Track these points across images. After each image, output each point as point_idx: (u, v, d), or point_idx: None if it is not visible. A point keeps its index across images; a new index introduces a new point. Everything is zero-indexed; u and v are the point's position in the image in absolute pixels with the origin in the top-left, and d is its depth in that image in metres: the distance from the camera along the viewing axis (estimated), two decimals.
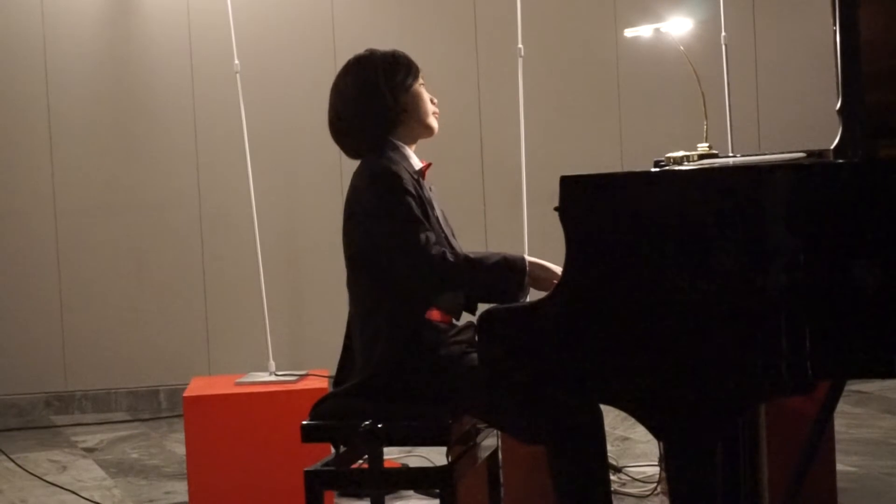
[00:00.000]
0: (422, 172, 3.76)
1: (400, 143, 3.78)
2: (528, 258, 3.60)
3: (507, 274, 3.55)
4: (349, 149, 3.87)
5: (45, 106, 7.32)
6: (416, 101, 3.80)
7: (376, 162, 3.71)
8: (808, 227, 2.92)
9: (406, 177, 3.65)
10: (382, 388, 3.60)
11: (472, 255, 3.60)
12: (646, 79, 7.41)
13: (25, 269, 7.36)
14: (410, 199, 3.62)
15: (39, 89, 7.32)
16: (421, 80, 3.83)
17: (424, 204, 3.67)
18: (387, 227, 3.61)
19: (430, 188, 3.83)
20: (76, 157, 7.34)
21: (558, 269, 3.62)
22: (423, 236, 3.57)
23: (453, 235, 3.87)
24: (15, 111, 7.34)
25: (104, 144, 7.36)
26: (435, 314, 3.68)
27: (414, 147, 3.84)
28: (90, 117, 7.35)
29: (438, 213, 3.78)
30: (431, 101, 3.84)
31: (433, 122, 3.84)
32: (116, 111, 7.36)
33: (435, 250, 3.56)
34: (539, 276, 3.58)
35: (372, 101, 3.76)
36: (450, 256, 3.56)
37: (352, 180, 3.78)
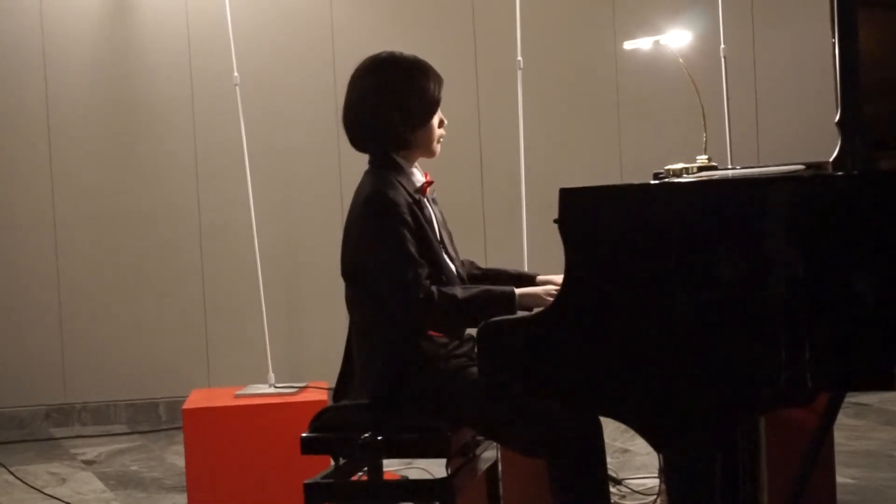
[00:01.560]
0: (422, 189, 3.74)
1: (402, 161, 3.75)
2: (518, 291, 3.58)
3: (493, 311, 3.53)
4: (356, 141, 3.82)
5: (44, 118, 7.33)
6: (429, 134, 3.79)
7: (374, 182, 3.68)
8: (807, 238, 2.93)
9: (402, 202, 3.61)
10: (382, 401, 3.60)
11: (460, 294, 3.58)
12: (645, 91, 7.41)
13: (25, 280, 7.36)
14: (404, 230, 3.58)
15: (39, 101, 7.33)
16: (439, 114, 3.82)
17: (423, 227, 3.64)
18: (377, 258, 3.59)
19: (431, 199, 3.83)
20: (75, 169, 7.34)
21: (552, 287, 3.62)
22: (411, 273, 3.54)
23: (452, 244, 3.86)
24: (15, 123, 7.35)
25: (103, 156, 7.36)
26: (433, 332, 3.68)
27: (416, 163, 3.82)
28: (89, 129, 7.35)
29: (437, 228, 3.76)
30: (441, 122, 3.82)
31: (437, 149, 3.83)
32: (116, 123, 7.37)
33: (423, 292, 3.53)
34: (529, 305, 3.57)
35: (388, 120, 3.72)
36: (436, 297, 3.53)
37: (354, 194, 3.76)
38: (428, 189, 3.79)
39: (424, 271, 3.56)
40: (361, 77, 3.79)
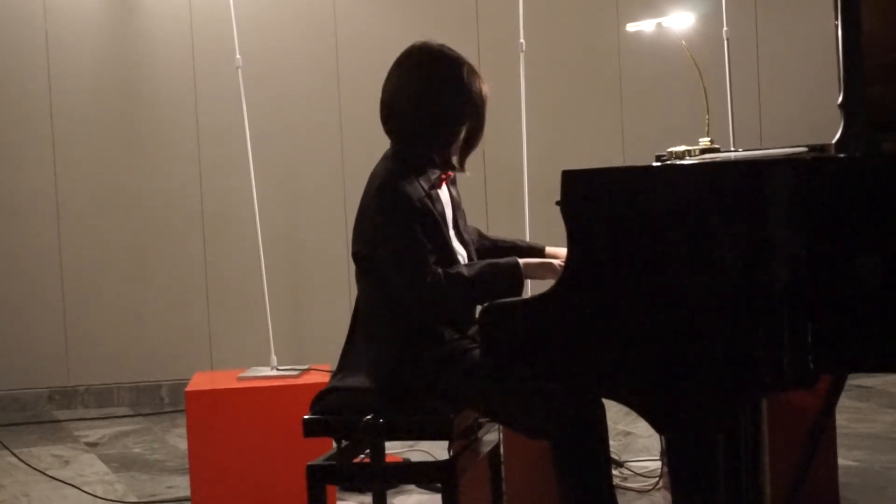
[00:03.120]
0: (438, 183, 3.72)
1: (428, 162, 3.74)
2: (523, 260, 3.59)
3: (500, 284, 3.53)
4: (391, 132, 3.77)
5: (47, 103, 7.32)
6: (470, 150, 3.80)
7: (388, 172, 3.65)
8: (809, 221, 2.92)
9: (414, 195, 3.59)
10: (385, 383, 3.60)
11: (465, 272, 3.58)
12: (648, 73, 7.41)
13: (28, 265, 7.36)
14: (413, 222, 3.56)
15: (41, 86, 7.32)
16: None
17: (435, 222, 3.61)
18: (386, 249, 3.59)
19: (451, 180, 3.81)
20: (78, 154, 7.34)
21: (556, 260, 3.63)
22: (419, 261, 3.53)
23: (466, 225, 3.85)
24: (17, 109, 7.34)
25: (106, 141, 7.35)
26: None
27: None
28: (92, 114, 7.34)
29: (451, 215, 3.75)
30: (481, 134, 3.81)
31: (467, 157, 3.84)
32: (118, 108, 7.36)
33: (431, 278, 3.52)
34: (537, 275, 3.57)
35: (440, 127, 3.71)
36: (442, 278, 3.53)
37: (369, 177, 3.73)
38: (446, 180, 3.77)
39: (433, 257, 3.56)
40: (413, 67, 3.73)
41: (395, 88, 3.72)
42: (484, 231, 4.07)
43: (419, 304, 3.57)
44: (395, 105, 3.72)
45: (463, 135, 3.74)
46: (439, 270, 3.54)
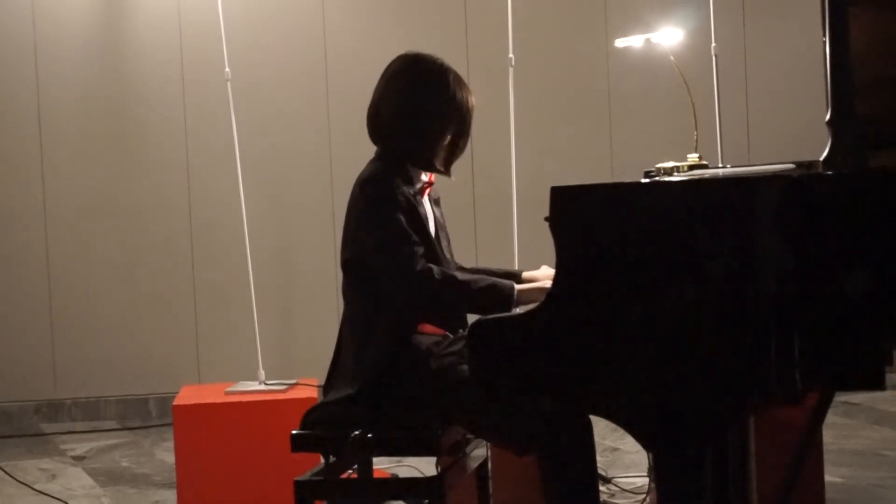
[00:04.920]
0: (421, 191, 3.74)
1: (411, 168, 3.76)
2: (518, 286, 3.60)
3: (492, 301, 3.55)
4: (375, 138, 3.81)
5: (35, 113, 7.31)
6: (454, 157, 3.81)
7: (372, 169, 3.70)
8: (797, 237, 2.93)
9: (401, 189, 3.63)
10: (373, 398, 3.60)
11: (460, 276, 3.60)
12: (636, 89, 7.42)
13: (15, 276, 7.34)
14: (399, 211, 3.60)
15: (30, 96, 7.32)
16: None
17: (420, 218, 3.65)
18: (374, 240, 3.60)
19: (433, 200, 3.83)
20: (67, 165, 7.33)
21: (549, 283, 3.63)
22: (407, 249, 3.56)
23: (449, 248, 3.87)
24: (5, 119, 7.33)
25: (94, 151, 7.35)
26: (427, 328, 3.68)
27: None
28: (81, 124, 7.34)
29: (432, 228, 3.77)
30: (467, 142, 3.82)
31: (451, 164, 3.84)
32: (107, 118, 7.36)
33: (420, 265, 3.55)
34: (527, 301, 3.58)
35: (423, 132, 3.73)
36: (436, 274, 3.55)
37: (354, 183, 3.75)
38: (429, 190, 3.79)
39: (420, 249, 3.57)
40: (398, 76, 3.77)
41: (381, 93, 3.79)
42: (471, 260, 4.08)
43: (407, 295, 3.57)
44: (380, 109, 3.77)
45: (446, 141, 3.75)
46: (432, 266, 3.55)
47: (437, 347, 3.63)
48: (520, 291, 3.58)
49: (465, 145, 3.82)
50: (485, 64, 7.23)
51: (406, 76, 3.76)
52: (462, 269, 3.99)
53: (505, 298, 3.55)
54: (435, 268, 3.57)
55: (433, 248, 3.68)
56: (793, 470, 3.54)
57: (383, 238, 3.59)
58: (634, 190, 3.12)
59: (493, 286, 3.59)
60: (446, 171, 3.84)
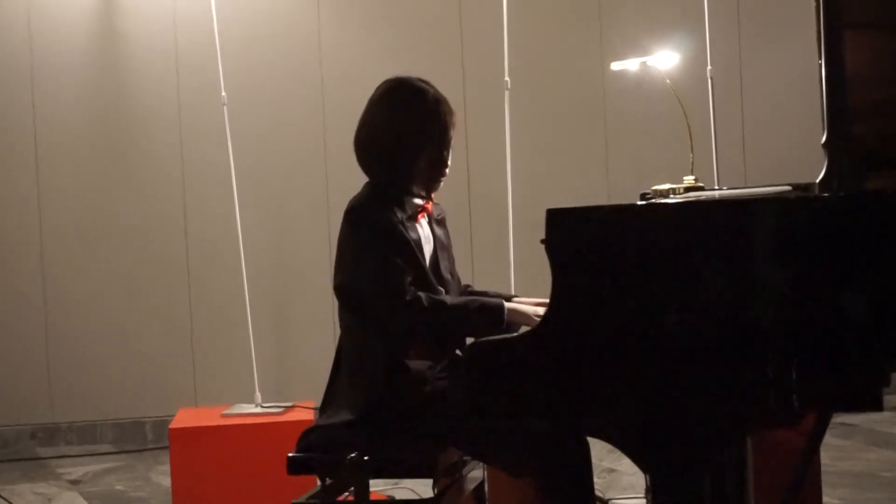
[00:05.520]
0: (415, 215, 3.74)
1: (401, 188, 3.75)
2: (508, 305, 3.59)
3: (481, 321, 3.54)
4: (362, 162, 3.81)
5: (32, 135, 7.31)
6: (434, 170, 3.79)
7: (360, 197, 3.70)
8: (794, 260, 2.93)
9: (385, 217, 3.62)
10: (369, 422, 3.59)
11: (449, 301, 3.60)
12: (632, 112, 7.43)
13: (10, 298, 7.33)
14: (385, 241, 3.59)
15: (26, 116, 7.32)
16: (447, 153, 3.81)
17: (408, 246, 3.64)
18: (361, 270, 3.60)
19: (436, 221, 3.82)
20: (63, 185, 7.33)
21: (540, 311, 3.62)
22: (396, 279, 3.54)
23: (451, 267, 3.86)
24: (2, 140, 7.33)
25: (91, 173, 7.35)
26: (416, 355, 3.67)
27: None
28: (77, 144, 7.34)
29: (431, 250, 3.76)
30: (446, 163, 3.80)
31: (436, 187, 3.84)
32: (104, 139, 7.36)
33: (408, 295, 3.54)
34: (517, 321, 3.58)
35: (395, 149, 3.73)
36: (424, 301, 3.54)
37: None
38: (428, 212, 3.78)
39: (408, 277, 3.57)
40: (378, 100, 3.79)
41: (363, 119, 3.81)
42: (467, 281, 4.07)
43: (397, 325, 3.57)
44: (363, 135, 3.78)
45: (424, 163, 3.74)
46: (420, 293, 3.55)
47: (431, 371, 3.63)
48: (511, 310, 3.57)
49: (445, 166, 3.79)
50: (481, 87, 7.25)
51: (384, 100, 3.78)
52: (468, 287, 3.99)
53: (495, 316, 3.54)
54: (423, 295, 3.56)
55: (424, 275, 3.66)
56: (791, 491, 3.53)
57: (369, 269, 3.58)
58: (630, 212, 3.12)
59: (482, 306, 3.59)
60: (428, 195, 3.82)
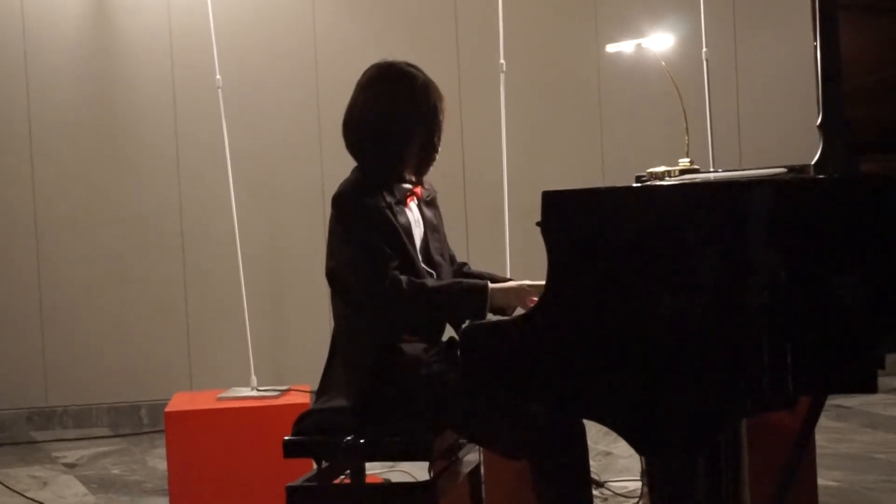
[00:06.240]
0: (405, 198, 3.73)
1: (388, 177, 3.74)
2: (493, 285, 3.59)
3: (465, 302, 3.54)
4: (350, 147, 3.80)
5: (25, 120, 7.30)
6: (425, 154, 3.78)
7: (346, 183, 3.70)
8: (788, 242, 2.93)
9: (370, 202, 3.61)
10: (365, 405, 3.60)
11: (430, 283, 3.59)
12: (627, 94, 7.43)
13: (6, 283, 7.33)
14: (368, 225, 3.59)
15: (21, 103, 7.31)
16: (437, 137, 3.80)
17: (395, 231, 3.63)
18: (346, 255, 3.61)
19: (425, 202, 3.82)
20: (57, 171, 7.32)
21: (527, 284, 3.62)
22: (376, 263, 3.54)
23: (443, 248, 3.86)
24: None
25: (85, 158, 7.34)
26: (406, 338, 3.67)
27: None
28: (71, 131, 7.33)
29: (420, 233, 3.76)
30: (436, 147, 3.79)
31: (425, 172, 3.83)
32: (98, 125, 7.35)
33: (389, 278, 3.53)
34: (503, 304, 3.57)
35: (384, 134, 3.72)
36: (404, 284, 3.53)
37: None
38: (418, 196, 3.78)
39: (393, 263, 3.56)
40: (367, 85, 3.77)
41: (352, 103, 3.80)
42: (468, 264, 4.05)
43: (378, 310, 3.56)
44: (351, 120, 3.77)
45: (415, 148, 3.74)
46: (401, 276, 3.54)
47: (426, 354, 3.63)
48: (494, 290, 3.57)
49: (435, 152, 3.78)
50: (476, 70, 7.25)
51: (373, 85, 3.77)
52: (465, 265, 3.98)
53: (480, 297, 3.53)
54: (404, 278, 3.54)
55: (411, 259, 3.65)
56: (786, 474, 3.54)
57: (353, 253, 3.59)
58: (626, 194, 3.12)
59: (464, 288, 3.58)
60: (418, 180, 3.82)
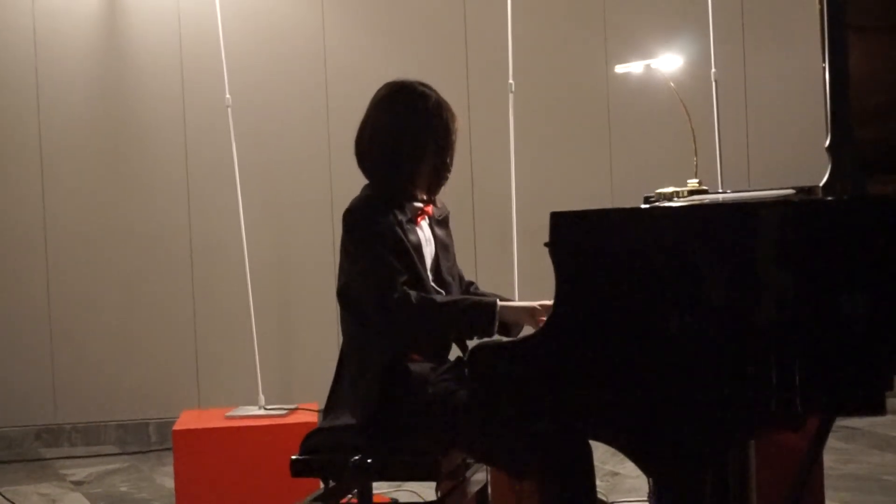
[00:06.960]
0: (415, 217, 3.74)
1: (400, 196, 3.75)
2: (501, 302, 3.59)
3: (474, 319, 3.54)
4: (362, 165, 3.81)
5: (36, 136, 7.32)
6: (437, 173, 3.79)
7: (357, 199, 3.70)
8: (797, 263, 2.93)
9: (381, 219, 3.62)
10: (372, 424, 3.59)
11: (440, 299, 3.59)
12: (636, 115, 7.43)
13: (15, 300, 7.34)
14: (379, 242, 3.59)
15: (31, 120, 7.33)
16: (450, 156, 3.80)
17: (405, 250, 3.64)
18: (355, 271, 3.61)
19: (436, 221, 3.82)
20: (67, 189, 7.34)
21: (537, 304, 3.61)
22: (386, 277, 3.54)
23: (452, 268, 3.86)
24: (6, 142, 7.34)
25: (95, 175, 7.35)
26: (414, 357, 3.67)
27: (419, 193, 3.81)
28: (82, 149, 7.35)
29: (431, 252, 3.76)
30: (448, 167, 3.80)
31: (437, 191, 3.83)
32: (108, 143, 7.36)
33: (397, 293, 3.53)
34: (512, 321, 3.58)
35: (396, 152, 3.73)
36: (413, 299, 3.53)
37: None
38: (429, 214, 3.78)
39: (402, 277, 3.56)
40: (380, 104, 3.78)
41: (364, 122, 3.80)
42: (475, 283, 4.06)
43: (387, 323, 3.56)
44: (364, 138, 3.78)
45: (427, 167, 3.75)
46: (411, 292, 3.54)
47: (433, 373, 3.63)
48: (503, 307, 3.57)
49: (447, 171, 3.79)
50: (485, 89, 7.25)
51: (386, 104, 3.78)
52: (472, 284, 3.99)
53: (488, 314, 3.54)
54: (413, 293, 3.55)
55: (421, 278, 3.65)
56: (794, 495, 3.53)
57: (363, 267, 3.60)
58: (634, 215, 3.12)
59: (474, 304, 3.58)
60: (429, 199, 3.83)
